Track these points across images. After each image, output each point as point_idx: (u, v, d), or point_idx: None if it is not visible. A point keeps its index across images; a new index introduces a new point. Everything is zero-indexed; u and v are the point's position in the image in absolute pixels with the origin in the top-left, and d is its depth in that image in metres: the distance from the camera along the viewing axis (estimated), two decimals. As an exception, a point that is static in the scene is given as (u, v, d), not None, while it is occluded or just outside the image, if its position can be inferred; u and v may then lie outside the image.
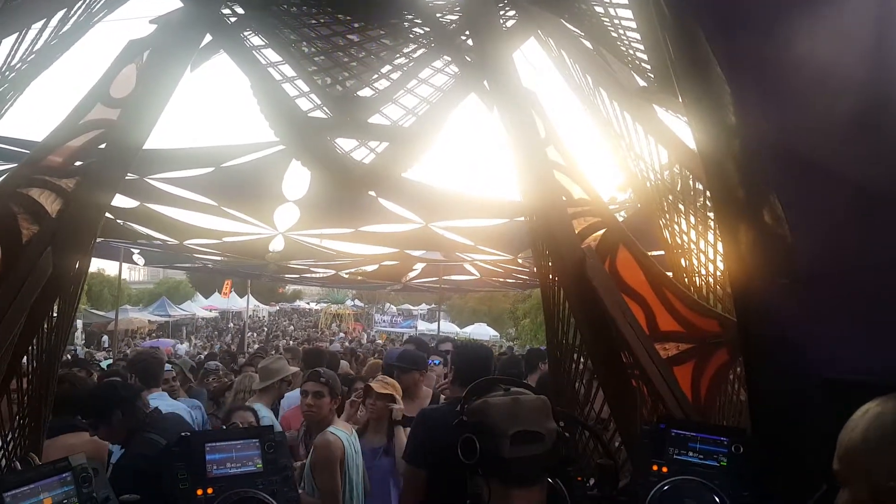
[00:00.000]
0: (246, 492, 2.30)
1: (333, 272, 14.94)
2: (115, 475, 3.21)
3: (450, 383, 3.60)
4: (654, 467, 2.39)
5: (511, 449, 1.65)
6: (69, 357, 11.62)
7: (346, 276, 15.72)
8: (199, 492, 2.26)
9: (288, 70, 2.92)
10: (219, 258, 13.73)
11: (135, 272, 54.95)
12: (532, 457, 1.67)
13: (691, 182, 3.15)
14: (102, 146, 2.66)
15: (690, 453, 2.40)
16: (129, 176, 6.39)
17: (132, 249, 12.77)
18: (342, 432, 3.81)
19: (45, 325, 2.77)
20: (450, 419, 3.30)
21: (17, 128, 5.53)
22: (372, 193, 6.74)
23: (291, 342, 22.73)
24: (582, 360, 3.20)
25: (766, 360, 2.30)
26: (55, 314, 2.81)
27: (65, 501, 1.98)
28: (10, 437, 2.81)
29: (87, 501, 2.01)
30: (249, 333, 31.79)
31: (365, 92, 3.04)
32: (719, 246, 3.01)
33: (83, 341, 26.04)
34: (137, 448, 3.33)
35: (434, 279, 15.51)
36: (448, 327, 29.99)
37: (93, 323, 29.60)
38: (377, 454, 4.20)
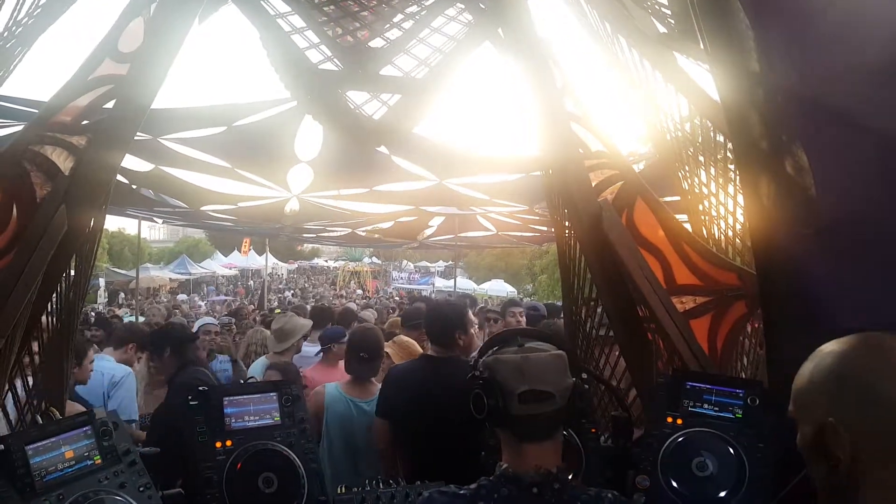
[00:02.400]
0: (264, 444, 2.34)
1: (350, 230, 14.94)
2: (166, 407, 3.66)
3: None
4: (669, 419, 2.39)
5: (519, 407, 1.65)
6: (94, 315, 11.84)
7: (363, 234, 15.72)
8: (218, 444, 2.30)
9: (297, 21, 2.86)
10: (237, 227, 13.78)
11: (154, 231, 55.56)
12: (541, 415, 1.66)
13: (712, 133, 3.08)
14: (113, 102, 2.64)
15: (705, 405, 2.39)
16: (142, 136, 6.38)
17: (154, 219, 12.84)
18: (332, 386, 3.93)
19: (63, 283, 2.80)
20: (412, 376, 3.41)
21: (25, 87, 5.52)
22: (385, 150, 6.67)
23: (313, 301, 23.15)
24: (597, 313, 3.19)
25: (786, 312, 2.27)
26: (72, 272, 2.84)
27: (86, 454, 2.02)
28: (33, 392, 2.87)
29: (107, 454, 2.05)
30: (287, 292, 32.41)
31: (376, 42, 2.97)
32: (739, 199, 2.96)
33: (106, 299, 26.51)
34: (183, 378, 3.83)
35: (450, 236, 15.47)
36: (465, 284, 30.07)
37: (114, 281, 30.06)
38: None
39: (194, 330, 6.11)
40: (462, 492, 1.67)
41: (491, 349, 1.86)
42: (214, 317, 10.58)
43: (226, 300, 28.94)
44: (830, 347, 1.30)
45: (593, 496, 1.68)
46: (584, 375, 1.87)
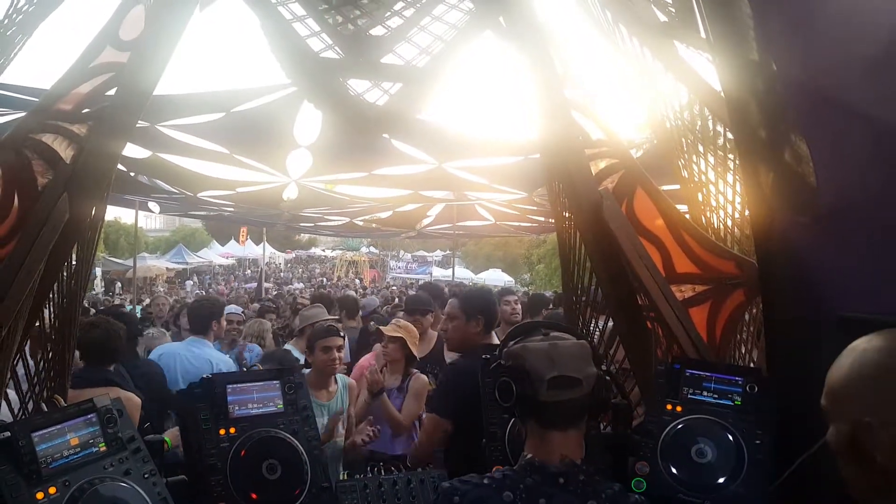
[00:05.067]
0: (268, 431, 2.36)
1: (348, 220, 14.94)
2: None
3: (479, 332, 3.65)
4: (669, 407, 2.42)
5: (548, 393, 1.68)
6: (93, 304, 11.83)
7: (361, 224, 15.72)
8: (222, 431, 2.32)
9: (298, 9, 2.85)
10: (233, 210, 13.79)
11: (151, 220, 55.32)
12: (568, 401, 1.69)
13: (711, 122, 3.08)
14: (113, 90, 2.64)
15: (705, 393, 2.42)
16: (141, 123, 6.37)
17: (149, 204, 12.84)
18: None
19: (65, 272, 2.80)
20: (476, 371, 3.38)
21: (26, 75, 5.50)
22: (386, 136, 6.68)
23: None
24: (597, 302, 3.20)
25: (785, 300, 2.29)
26: (73, 261, 2.84)
27: (91, 441, 2.03)
28: (35, 380, 2.88)
29: (112, 441, 2.07)
30: (295, 283, 32.02)
31: (377, 31, 2.97)
32: (739, 188, 2.97)
33: (102, 289, 26.51)
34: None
35: (448, 225, 15.48)
36: (463, 273, 30.12)
37: (111, 271, 30.05)
38: (392, 395, 4.29)
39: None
40: (486, 482, 1.67)
41: (514, 339, 1.88)
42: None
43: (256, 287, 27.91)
44: (870, 343, 1.25)
45: (618, 491, 1.70)
46: (604, 367, 1.90)
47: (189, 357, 4.99)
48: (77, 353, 3.90)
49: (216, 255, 39.61)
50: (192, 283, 31.69)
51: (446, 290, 8.42)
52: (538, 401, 1.69)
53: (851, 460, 1.21)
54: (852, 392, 1.22)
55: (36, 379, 2.89)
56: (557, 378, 1.68)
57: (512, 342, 1.86)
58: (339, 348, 4.14)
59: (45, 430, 1.94)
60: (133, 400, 3.64)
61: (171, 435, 3.28)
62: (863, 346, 1.26)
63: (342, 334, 4.29)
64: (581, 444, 1.75)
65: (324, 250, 53.19)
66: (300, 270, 45.10)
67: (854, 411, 1.19)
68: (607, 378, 1.84)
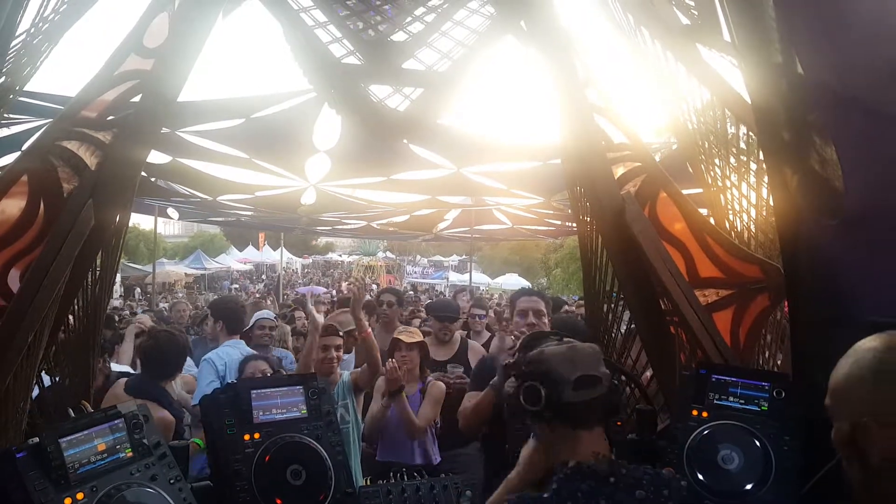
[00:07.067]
0: (292, 436, 2.36)
1: (365, 223, 14.99)
2: None
3: None
4: (695, 412, 2.39)
5: (573, 393, 1.71)
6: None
7: (378, 227, 15.77)
8: (247, 437, 2.32)
9: (319, 15, 2.87)
10: (251, 213, 13.88)
11: (169, 226, 55.83)
12: (593, 400, 1.74)
13: (734, 126, 3.06)
14: (138, 97, 2.66)
15: (731, 398, 2.39)
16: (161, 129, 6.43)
17: (168, 210, 12.96)
18: None
19: (89, 278, 2.83)
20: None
21: (52, 83, 5.57)
22: (405, 141, 6.71)
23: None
24: (619, 306, 3.18)
25: (813, 304, 2.26)
26: (98, 267, 2.87)
27: (118, 447, 2.05)
28: (59, 386, 2.91)
29: (138, 447, 2.08)
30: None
31: (398, 36, 2.97)
32: (762, 192, 2.94)
33: (122, 294, 26.74)
34: None
35: (465, 229, 15.48)
36: (479, 278, 30.07)
37: (130, 276, 30.32)
38: (413, 401, 4.28)
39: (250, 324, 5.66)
40: (546, 495, 1.67)
41: (528, 346, 1.91)
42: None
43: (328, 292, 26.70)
44: (870, 343, 1.27)
45: (653, 473, 1.73)
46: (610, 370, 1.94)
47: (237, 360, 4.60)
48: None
49: (234, 260, 39.81)
50: (229, 283, 31.51)
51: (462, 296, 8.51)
52: (564, 402, 1.72)
53: (852, 458, 1.24)
54: (851, 392, 1.25)
55: (61, 385, 2.92)
56: (581, 378, 1.72)
57: (525, 350, 1.88)
58: (338, 348, 4.12)
59: (72, 436, 1.96)
60: (166, 420, 3.43)
61: (201, 436, 3.30)
62: (863, 346, 1.28)
63: (341, 333, 4.28)
64: (605, 439, 1.79)
65: (340, 255, 53.26)
66: (319, 274, 45.09)
67: (853, 411, 1.22)
68: (615, 383, 1.87)
